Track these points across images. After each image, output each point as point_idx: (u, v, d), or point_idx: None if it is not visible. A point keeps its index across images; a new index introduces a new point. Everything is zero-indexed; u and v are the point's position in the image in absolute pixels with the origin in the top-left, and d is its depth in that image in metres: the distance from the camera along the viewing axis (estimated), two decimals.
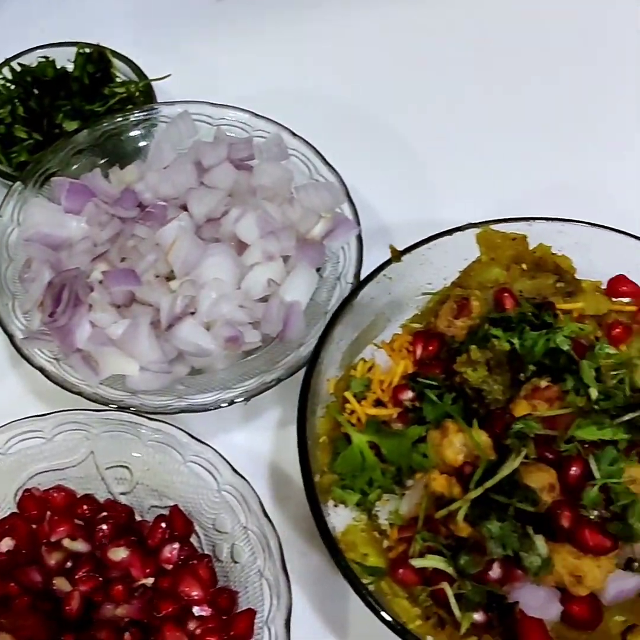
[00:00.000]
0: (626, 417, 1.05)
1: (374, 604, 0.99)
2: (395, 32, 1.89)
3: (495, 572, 1.02)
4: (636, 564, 1.04)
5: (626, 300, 1.27)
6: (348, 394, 1.19)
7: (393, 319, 1.30)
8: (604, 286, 1.27)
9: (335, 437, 1.16)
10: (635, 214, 1.45)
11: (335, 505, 1.11)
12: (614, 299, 1.26)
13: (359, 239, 1.37)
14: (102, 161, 1.48)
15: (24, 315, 1.30)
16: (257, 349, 1.33)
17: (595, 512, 1.02)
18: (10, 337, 1.26)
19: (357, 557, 1.06)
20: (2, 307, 1.29)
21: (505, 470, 1.01)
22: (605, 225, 1.26)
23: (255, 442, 1.35)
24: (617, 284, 1.26)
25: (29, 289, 1.31)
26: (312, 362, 1.15)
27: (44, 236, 1.34)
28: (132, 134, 1.50)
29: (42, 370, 1.24)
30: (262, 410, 1.37)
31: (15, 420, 1.20)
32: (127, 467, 1.22)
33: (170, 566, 1.14)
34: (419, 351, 1.21)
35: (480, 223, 1.27)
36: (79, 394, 1.22)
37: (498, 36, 1.89)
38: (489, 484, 1.01)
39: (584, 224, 1.26)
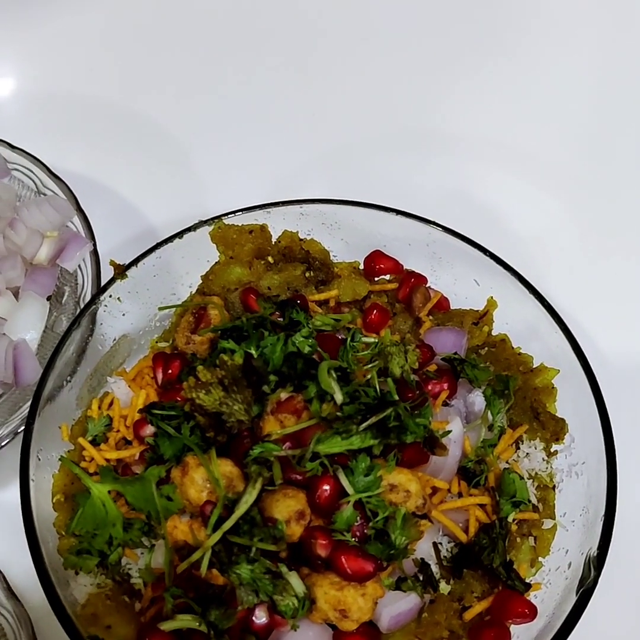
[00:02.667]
0: (372, 420, 0.92)
1: None
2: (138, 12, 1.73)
3: (259, 618, 0.90)
4: (409, 582, 0.93)
5: (387, 277, 1.15)
6: (82, 440, 1.04)
7: (140, 341, 1.16)
8: (362, 267, 1.16)
9: (74, 493, 1.01)
10: (379, 186, 1.35)
11: (76, 573, 0.97)
12: (375, 279, 1.15)
13: (95, 254, 1.22)
14: None
15: None
16: None
17: (355, 534, 0.90)
18: None
19: (99, 631, 0.92)
20: None
21: (242, 507, 0.89)
22: (348, 200, 1.14)
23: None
24: (374, 261, 1.15)
25: None
26: (33, 408, 1.01)
27: None
28: None
29: None
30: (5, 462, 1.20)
31: None
32: None
33: None
34: (159, 376, 1.07)
35: (211, 219, 1.13)
36: None
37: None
38: (226, 526, 0.88)
39: (324, 203, 1.14)
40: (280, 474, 0.92)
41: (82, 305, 1.19)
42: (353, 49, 1.66)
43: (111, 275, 1.12)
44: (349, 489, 0.91)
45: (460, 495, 1.00)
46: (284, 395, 0.96)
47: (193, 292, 1.16)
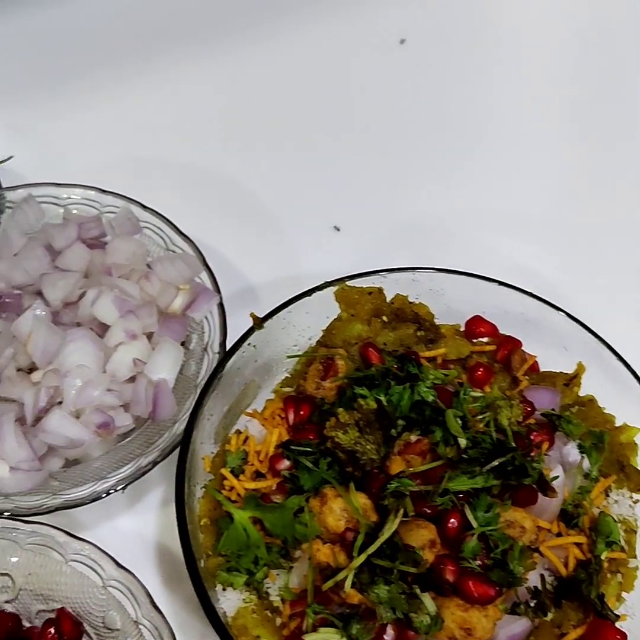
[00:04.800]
0: (495, 463, 1.07)
1: None
2: (234, 90, 1.91)
3: (389, 635, 1.03)
4: (522, 607, 1.06)
5: (485, 340, 1.30)
6: (225, 471, 1.18)
7: (264, 385, 1.30)
8: (462, 329, 1.31)
9: (217, 517, 1.15)
10: (480, 254, 1.50)
11: (224, 589, 1.10)
12: (473, 341, 1.30)
13: (221, 306, 1.36)
14: None
15: None
16: (131, 432, 1.31)
17: (478, 562, 1.04)
18: None
19: None
20: None
21: (385, 534, 1.02)
22: (454, 269, 1.30)
23: (141, 526, 1.32)
24: (474, 325, 1.30)
25: None
26: (185, 442, 1.14)
27: None
28: None
29: None
30: (144, 491, 1.34)
31: None
32: (8, 575, 1.17)
33: None
34: (291, 417, 1.21)
35: (336, 281, 1.28)
36: None
37: (335, 87, 1.93)
38: (370, 550, 1.02)
39: (434, 271, 1.29)
40: (412, 507, 1.06)
41: (209, 352, 1.34)
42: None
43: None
44: (474, 523, 1.05)
45: (559, 534, 1.14)
46: (413, 438, 1.11)
47: (312, 345, 1.30)
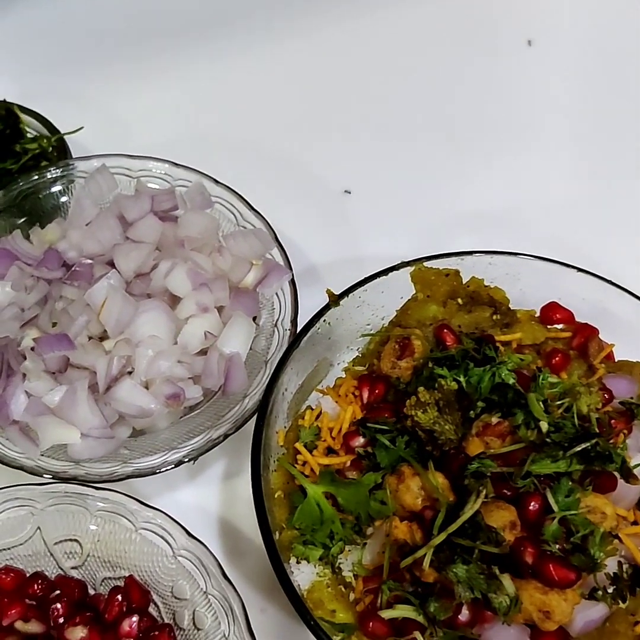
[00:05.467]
0: (579, 448, 1.06)
1: None
2: (309, 71, 1.90)
3: (464, 615, 1.02)
4: (600, 592, 1.05)
5: (560, 326, 1.29)
6: (299, 445, 1.17)
7: (335, 362, 1.29)
8: (537, 315, 1.29)
9: (289, 491, 1.14)
10: (556, 240, 1.48)
11: (298, 562, 1.10)
12: (548, 327, 1.28)
13: (293, 283, 1.36)
14: (21, 221, 1.43)
15: None
16: (199, 404, 1.31)
17: (557, 546, 1.03)
18: None
19: (325, 614, 1.04)
20: None
21: (467, 513, 1.01)
22: (532, 254, 1.28)
23: (203, 499, 1.32)
24: (550, 312, 1.28)
25: None
26: (262, 414, 1.14)
27: None
28: (50, 191, 1.46)
29: None
30: (207, 465, 1.34)
31: None
32: (76, 541, 1.18)
33: None
34: (365, 395, 1.20)
35: (413, 261, 1.27)
36: (20, 468, 1.17)
37: (418, 69, 1.92)
38: (452, 528, 1.01)
39: (512, 255, 1.28)
40: (491, 488, 1.05)
41: (279, 328, 1.33)
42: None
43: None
44: (555, 507, 1.04)
45: (634, 523, 1.13)
46: (494, 419, 1.10)
47: (385, 325, 1.29)
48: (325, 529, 1.09)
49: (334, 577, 1.09)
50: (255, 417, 1.17)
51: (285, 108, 1.82)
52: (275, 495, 1.13)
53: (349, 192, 1.69)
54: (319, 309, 1.25)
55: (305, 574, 1.10)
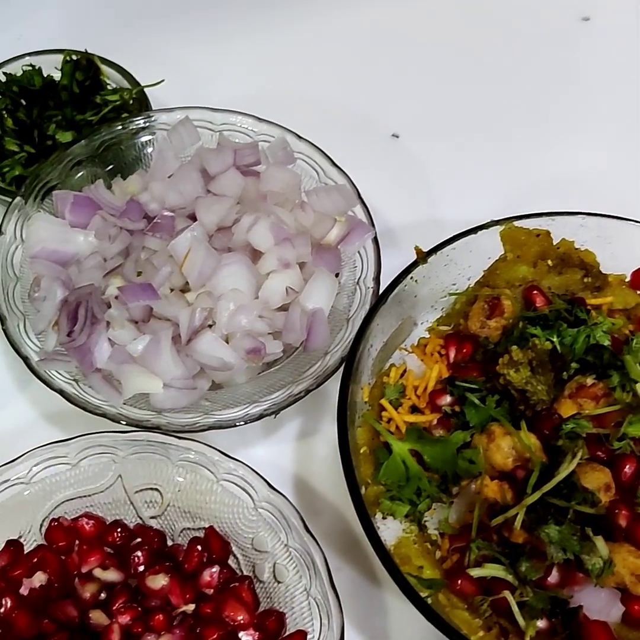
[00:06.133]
0: None
1: (435, 617, 0.96)
2: (395, 31, 1.87)
3: (554, 576, 1.00)
4: None
5: None
6: (384, 402, 1.16)
7: (418, 321, 1.27)
8: (628, 279, 1.26)
9: (374, 447, 1.13)
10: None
11: (383, 518, 1.08)
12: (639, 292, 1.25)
13: (376, 241, 1.34)
14: (103, 171, 1.42)
15: (37, 336, 1.25)
16: (278, 361, 1.30)
17: None
18: (25, 360, 1.21)
19: (412, 570, 1.03)
20: (12, 328, 1.23)
21: (562, 473, 0.99)
22: (624, 216, 1.25)
23: (278, 456, 1.31)
24: None
25: (40, 309, 1.25)
26: (348, 369, 1.12)
27: (51, 252, 1.29)
28: (131, 142, 1.45)
29: (61, 392, 1.18)
30: (282, 423, 1.34)
31: (38, 447, 1.14)
32: (157, 490, 1.18)
33: (211, 591, 1.10)
34: (452, 354, 1.19)
35: (503, 220, 1.24)
36: (103, 415, 1.17)
37: (496, 33, 1.88)
38: (546, 488, 0.99)
39: (605, 217, 1.25)
40: (586, 450, 1.03)
41: (362, 286, 1.32)
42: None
43: None
44: None
45: None
46: (589, 381, 1.07)
47: (471, 285, 1.27)
48: (412, 486, 1.08)
49: (420, 534, 1.08)
50: (334, 375, 1.15)
51: (368, 67, 1.79)
52: (361, 451, 1.12)
53: (428, 155, 1.66)
54: (397, 270, 1.23)
55: (390, 531, 1.08)
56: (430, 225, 1.56)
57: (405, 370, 1.20)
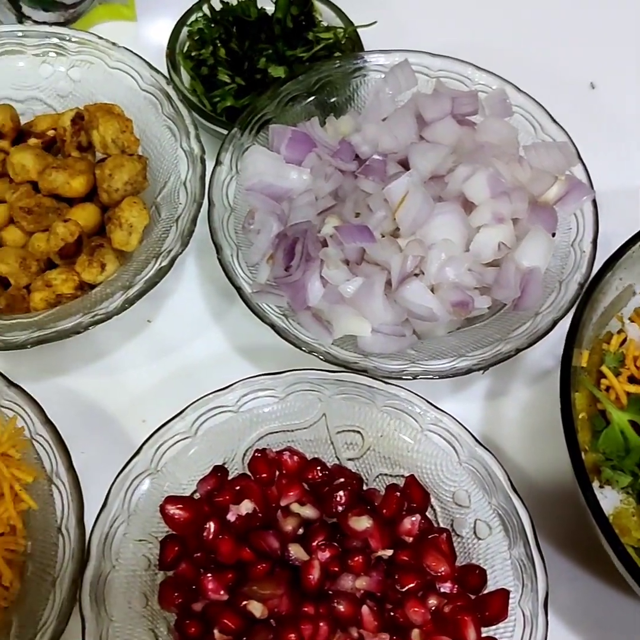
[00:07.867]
0: None
1: None
2: None
3: None
4: None
5: None
6: (605, 369, 1.12)
7: (638, 291, 1.23)
8: None
9: (591, 414, 1.10)
10: None
11: (601, 486, 1.05)
12: None
13: (594, 204, 1.29)
14: (316, 110, 1.40)
15: (250, 268, 1.25)
16: (479, 317, 1.27)
17: None
18: (239, 290, 1.21)
19: (632, 542, 1.00)
20: (228, 259, 1.23)
21: None
22: None
23: (464, 413, 1.27)
24: None
25: (255, 241, 1.25)
26: (573, 331, 1.08)
27: (267, 186, 1.28)
28: (345, 82, 1.42)
29: (273, 326, 1.18)
30: (469, 382, 1.32)
31: (247, 378, 1.15)
32: (359, 432, 1.17)
33: (411, 539, 1.09)
34: None
35: None
36: (311, 353, 1.17)
37: None
38: None
39: None
40: None
41: (576, 249, 1.28)
42: None
43: None
44: None
45: None
46: None
47: None
48: (634, 457, 1.05)
49: (637, 507, 1.04)
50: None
51: (580, 25, 1.74)
52: (579, 417, 1.09)
53: None
54: None
55: (607, 500, 1.05)
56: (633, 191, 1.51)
57: (625, 339, 1.16)
